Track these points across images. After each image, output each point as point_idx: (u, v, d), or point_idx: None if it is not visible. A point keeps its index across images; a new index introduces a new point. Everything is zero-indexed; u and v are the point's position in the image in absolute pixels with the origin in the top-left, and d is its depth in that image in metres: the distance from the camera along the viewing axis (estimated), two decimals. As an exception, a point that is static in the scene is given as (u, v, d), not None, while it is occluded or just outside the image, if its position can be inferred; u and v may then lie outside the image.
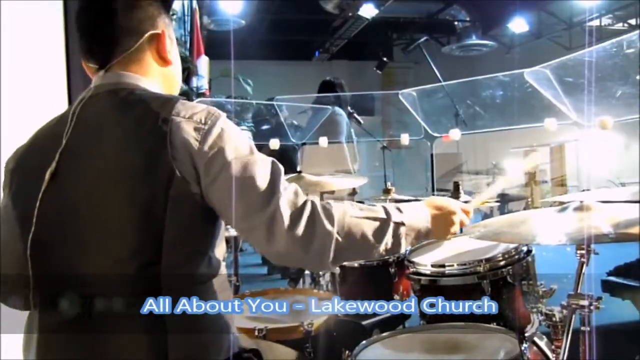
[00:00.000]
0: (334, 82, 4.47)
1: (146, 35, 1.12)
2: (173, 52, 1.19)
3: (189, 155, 0.98)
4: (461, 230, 1.28)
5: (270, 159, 1.05)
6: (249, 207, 0.99)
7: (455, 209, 1.23)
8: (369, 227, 1.06)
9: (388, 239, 1.08)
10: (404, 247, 1.12)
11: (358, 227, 1.04)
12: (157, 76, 1.16)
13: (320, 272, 2.12)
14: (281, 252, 0.99)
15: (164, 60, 1.17)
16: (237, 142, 1.02)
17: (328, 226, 1.00)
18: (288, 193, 1.01)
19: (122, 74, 1.11)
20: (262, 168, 1.01)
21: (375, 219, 1.07)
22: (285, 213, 0.98)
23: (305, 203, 1.01)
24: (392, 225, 1.09)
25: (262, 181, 1.00)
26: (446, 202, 1.24)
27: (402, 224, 1.11)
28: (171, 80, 1.21)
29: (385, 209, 1.11)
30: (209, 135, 1.00)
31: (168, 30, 1.18)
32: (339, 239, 1.01)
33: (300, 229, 0.98)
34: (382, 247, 1.07)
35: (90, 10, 1.12)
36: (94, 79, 1.13)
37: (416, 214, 1.16)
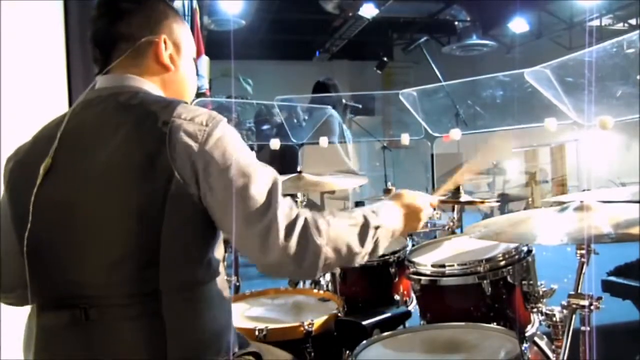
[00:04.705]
0: (327, 84, 4.47)
1: (141, 40, 1.12)
2: (180, 58, 1.18)
3: (188, 156, 0.98)
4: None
5: (269, 168, 1.05)
6: (247, 215, 0.98)
7: (422, 205, 1.28)
8: (353, 235, 1.07)
9: (369, 244, 1.10)
10: (382, 251, 1.15)
11: (343, 238, 1.05)
12: (157, 81, 1.15)
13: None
14: (273, 263, 0.99)
15: (162, 66, 1.16)
16: (237, 148, 1.02)
17: (318, 240, 1.01)
18: (284, 205, 1.01)
19: (124, 77, 1.11)
20: (261, 177, 1.01)
21: (355, 225, 1.09)
22: (282, 225, 0.98)
23: (297, 217, 1.01)
24: (372, 230, 1.10)
25: (261, 191, 1.00)
26: (413, 199, 1.28)
27: (380, 227, 1.12)
28: (176, 86, 1.19)
29: (363, 214, 1.12)
30: (210, 138, 0.99)
31: (172, 35, 1.17)
32: (328, 251, 1.02)
33: (293, 242, 0.98)
34: (363, 252, 1.09)
35: (95, 19, 1.13)
36: (96, 80, 1.13)
37: (390, 215, 1.18)
